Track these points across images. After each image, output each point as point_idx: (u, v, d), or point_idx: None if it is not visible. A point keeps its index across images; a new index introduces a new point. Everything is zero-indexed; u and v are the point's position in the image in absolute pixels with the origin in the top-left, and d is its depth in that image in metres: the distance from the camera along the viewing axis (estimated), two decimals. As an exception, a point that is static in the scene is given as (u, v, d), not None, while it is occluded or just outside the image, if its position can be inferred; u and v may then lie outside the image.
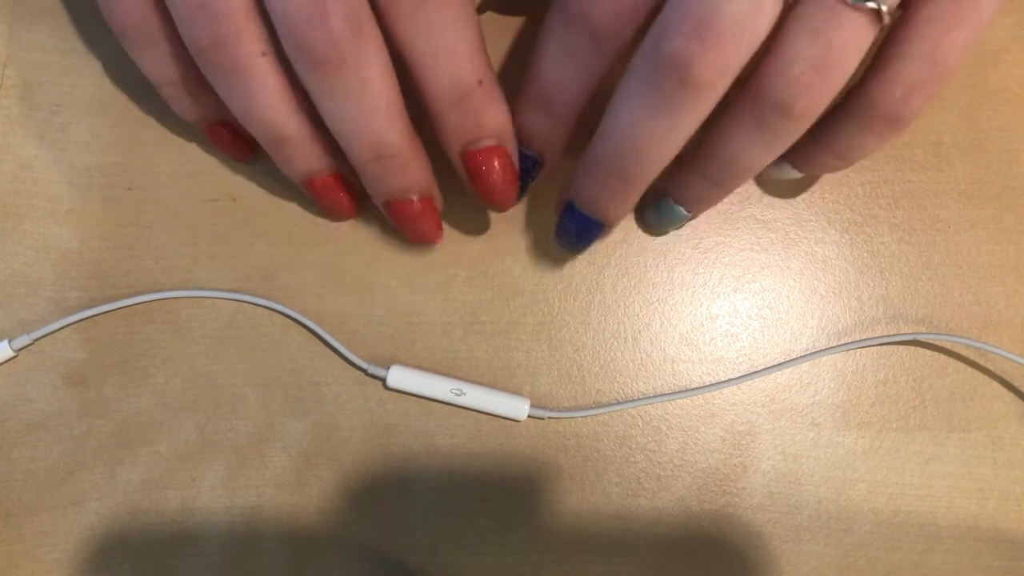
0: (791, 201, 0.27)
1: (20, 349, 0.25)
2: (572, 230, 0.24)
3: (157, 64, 0.22)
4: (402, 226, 0.24)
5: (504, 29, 0.27)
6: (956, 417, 0.26)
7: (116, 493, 0.25)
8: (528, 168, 0.24)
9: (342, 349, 0.25)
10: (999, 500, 0.26)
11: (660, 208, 0.25)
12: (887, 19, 0.19)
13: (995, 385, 0.26)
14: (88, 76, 0.26)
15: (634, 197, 0.22)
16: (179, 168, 0.26)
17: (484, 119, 0.21)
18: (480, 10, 0.27)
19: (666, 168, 0.22)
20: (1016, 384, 0.26)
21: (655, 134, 0.20)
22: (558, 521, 0.25)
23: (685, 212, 0.24)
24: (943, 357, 0.26)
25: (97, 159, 0.26)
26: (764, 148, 0.21)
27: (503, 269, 0.26)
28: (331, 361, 0.26)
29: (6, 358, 0.25)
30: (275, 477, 0.25)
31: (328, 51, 0.19)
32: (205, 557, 0.25)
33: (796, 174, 0.24)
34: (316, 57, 0.19)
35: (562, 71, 0.22)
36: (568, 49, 0.21)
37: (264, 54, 0.20)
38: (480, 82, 0.21)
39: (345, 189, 0.24)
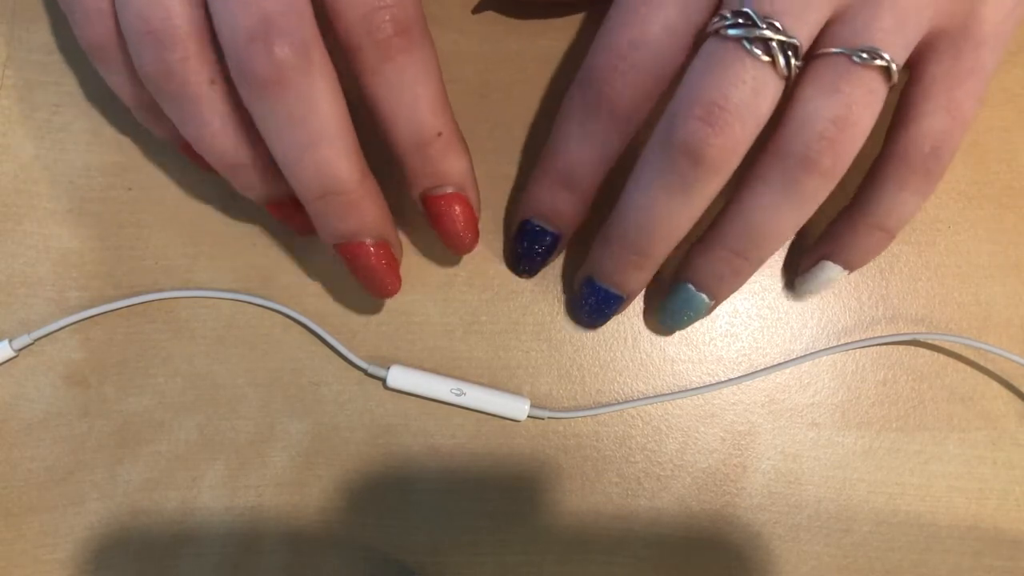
0: (791, 201, 0.27)
1: (20, 349, 0.25)
2: (593, 304, 0.24)
3: (122, 86, 0.22)
4: (353, 272, 0.22)
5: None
6: (956, 417, 0.26)
7: (116, 493, 0.25)
8: (549, 244, 0.24)
9: (342, 349, 0.25)
10: (999, 500, 0.26)
11: (679, 295, 0.24)
12: (895, 77, 0.20)
13: (995, 385, 0.26)
14: (88, 76, 0.26)
15: (651, 269, 0.23)
16: (179, 168, 0.26)
17: (443, 168, 0.22)
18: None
19: (684, 255, 0.24)
20: (1016, 384, 0.26)
21: (670, 211, 0.21)
22: (558, 521, 0.25)
23: (707, 299, 0.24)
24: (943, 357, 0.26)
25: (97, 159, 0.26)
26: (791, 210, 0.21)
27: (503, 269, 0.26)
28: (331, 361, 0.26)
29: (6, 358, 0.25)
30: (275, 477, 0.25)
31: (270, 74, 0.19)
32: (205, 557, 0.25)
33: (842, 272, 0.24)
34: (258, 80, 0.19)
35: (583, 150, 0.22)
36: (588, 129, 0.22)
37: (213, 82, 0.20)
38: (440, 134, 0.21)
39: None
